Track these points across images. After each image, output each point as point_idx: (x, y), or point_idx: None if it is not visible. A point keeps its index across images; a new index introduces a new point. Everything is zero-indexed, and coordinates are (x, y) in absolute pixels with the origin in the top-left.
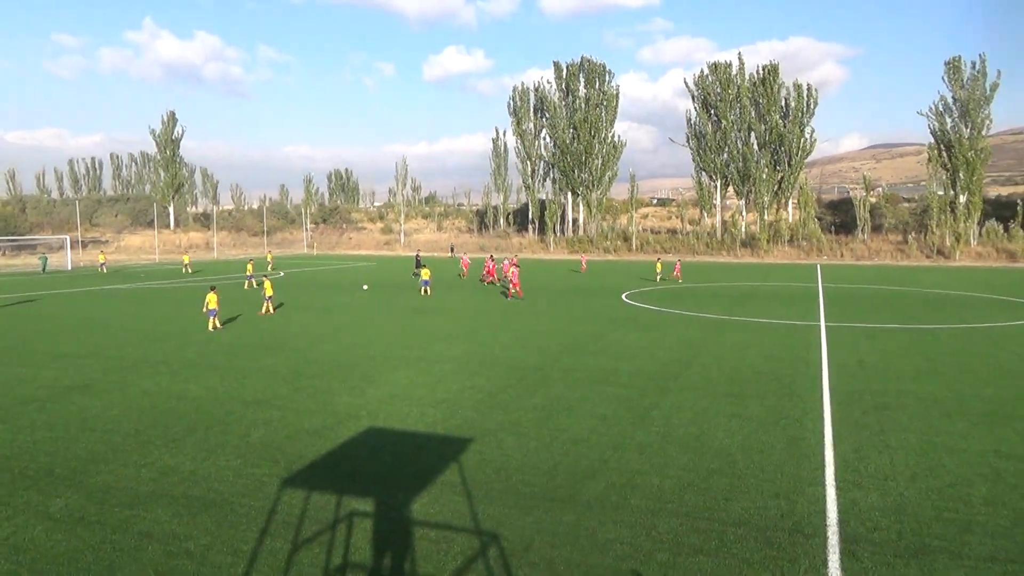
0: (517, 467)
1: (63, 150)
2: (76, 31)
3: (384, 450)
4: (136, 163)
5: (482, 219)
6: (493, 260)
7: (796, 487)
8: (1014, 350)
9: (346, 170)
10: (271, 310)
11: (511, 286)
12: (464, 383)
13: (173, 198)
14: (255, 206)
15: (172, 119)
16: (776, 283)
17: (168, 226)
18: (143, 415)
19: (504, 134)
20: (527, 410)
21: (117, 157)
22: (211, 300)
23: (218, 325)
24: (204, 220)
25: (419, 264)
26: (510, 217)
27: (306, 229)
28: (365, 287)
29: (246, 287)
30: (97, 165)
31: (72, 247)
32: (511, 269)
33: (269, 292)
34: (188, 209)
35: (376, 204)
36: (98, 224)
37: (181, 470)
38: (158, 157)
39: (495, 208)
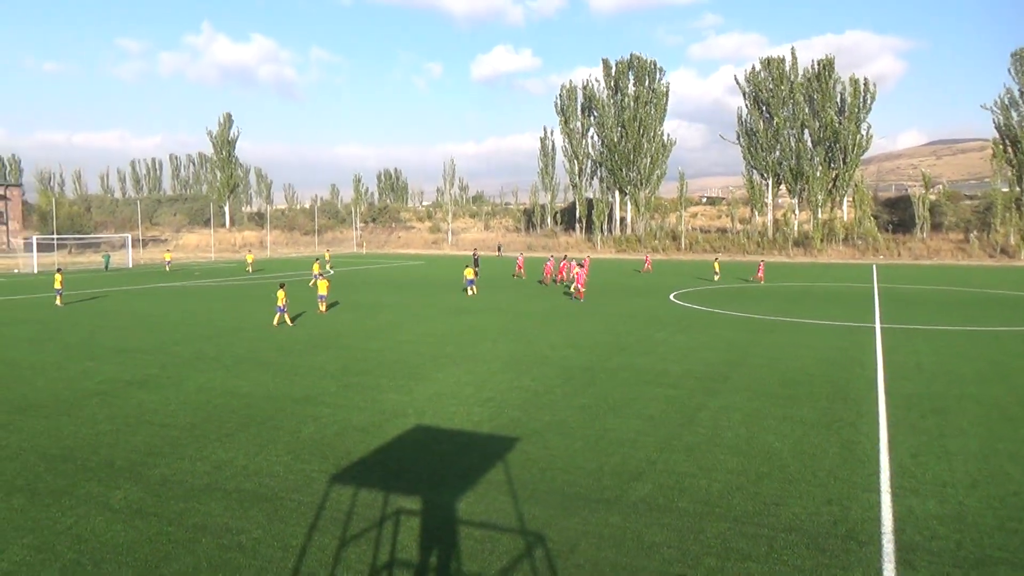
0: (563, 467)
1: (126, 151)
2: (138, 35)
3: (430, 448)
4: (194, 164)
5: (529, 218)
6: (553, 259)
7: (850, 493)
8: None
9: (395, 169)
10: (323, 309)
11: (577, 285)
12: (511, 382)
13: (229, 197)
14: (307, 205)
15: (228, 120)
16: (830, 283)
17: (224, 225)
18: (198, 410)
19: (552, 133)
20: (573, 410)
21: (176, 158)
22: (280, 297)
23: (287, 321)
24: (258, 219)
25: (476, 263)
26: (557, 216)
27: (356, 228)
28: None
29: (311, 285)
30: (157, 166)
31: (133, 245)
32: (576, 270)
33: (323, 291)
34: (243, 208)
35: (424, 203)
36: (158, 223)
37: (234, 464)
38: (214, 158)
39: (542, 207)
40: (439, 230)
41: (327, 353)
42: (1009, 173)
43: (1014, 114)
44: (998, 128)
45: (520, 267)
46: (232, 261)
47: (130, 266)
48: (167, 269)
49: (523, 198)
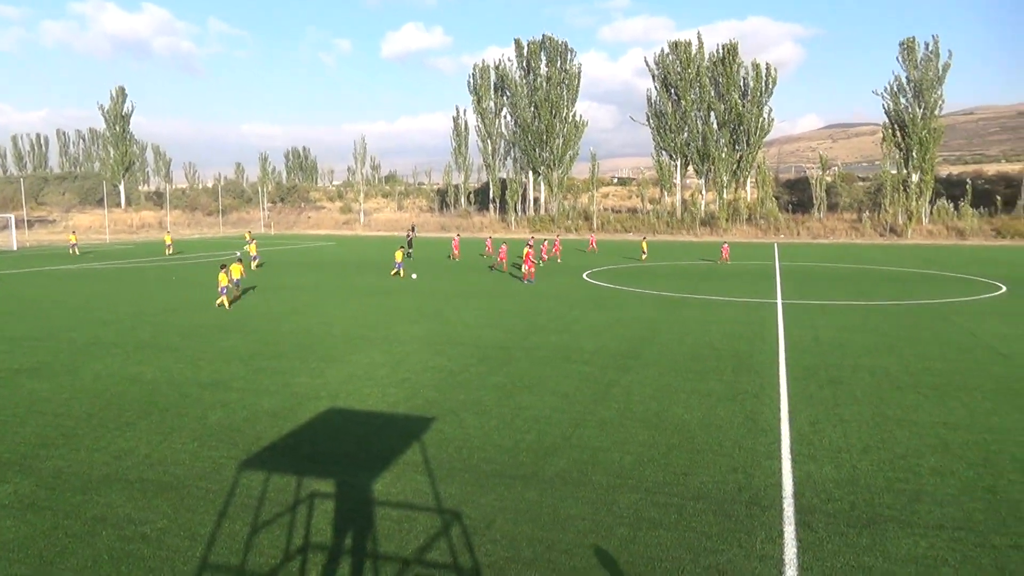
0: (479, 445)
1: (7, 126)
2: (16, 1)
3: (345, 430)
4: (84, 140)
5: (443, 198)
6: (531, 246)
7: (753, 460)
8: (963, 325)
9: (304, 148)
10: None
11: (525, 266)
12: (426, 362)
13: (124, 176)
14: (210, 185)
15: (121, 94)
16: (734, 261)
17: (119, 205)
18: (95, 398)
19: (464, 112)
20: (489, 389)
21: (64, 134)
22: (223, 278)
23: (226, 304)
24: (157, 199)
25: (411, 243)
26: (471, 196)
27: (263, 208)
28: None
29: (253, 267)
30: (43, 142)
31: (17, 227)
32: (526, 250)
33: (237, 274)
34: (140, 187)
35: (335, 183)
36: (44, 203)
37: (136, 454)
38: (107, 134)
39: (456, 187)
40: (351, 210)
41: (235, 337)
42: (897, 156)
43: (902, 100)
44: (887, 113)
45: (456, 249)
46: (129, 243)
47: (15, 248)
48: (75, 252)
49: (436, 178)
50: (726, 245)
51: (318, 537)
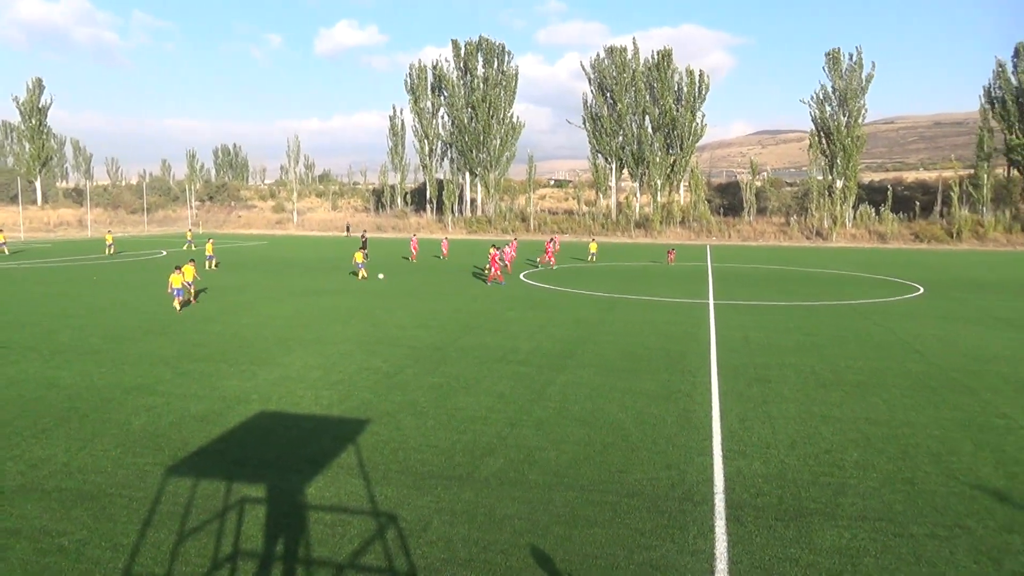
0: (415, 447)
1: None
2: None
3: (276, 434)
4: None
5: (379, 198)
6: (497, 248)
7: (686, 458)
8: (884, 324)
9: (234, 145)
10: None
11: (493, 270)
12: (361, 364)
13: (40, 171)
14: (133, 181)
15: (38, 86)
16: (658, 263)
17: (35, 202)
18: (8, 405)
19: (401, 112)
20: (425, 390)
21: None
22: (175, 280)
23: (176, 306)
24: (76, 196)
25: (365, 245)
26: (408, 196)
27: (190, 207)
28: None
29: (209, 268)
30: None
31: None
32: (506, 252)
33: (190, 276)
34: (58, 184)
35: (267, 181)
36: None
37: (53, 462)
38: (22, 127)
39: (392, 187)
40: (283, 209)
41: (161, 339)
42: (823, 162)
43: (827, 108)
44: (814, 121)
45: (415, 249)
46: (46, 241)
47: None
48: (4, 251)
49: (372, 178)
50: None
51: (248, 544)
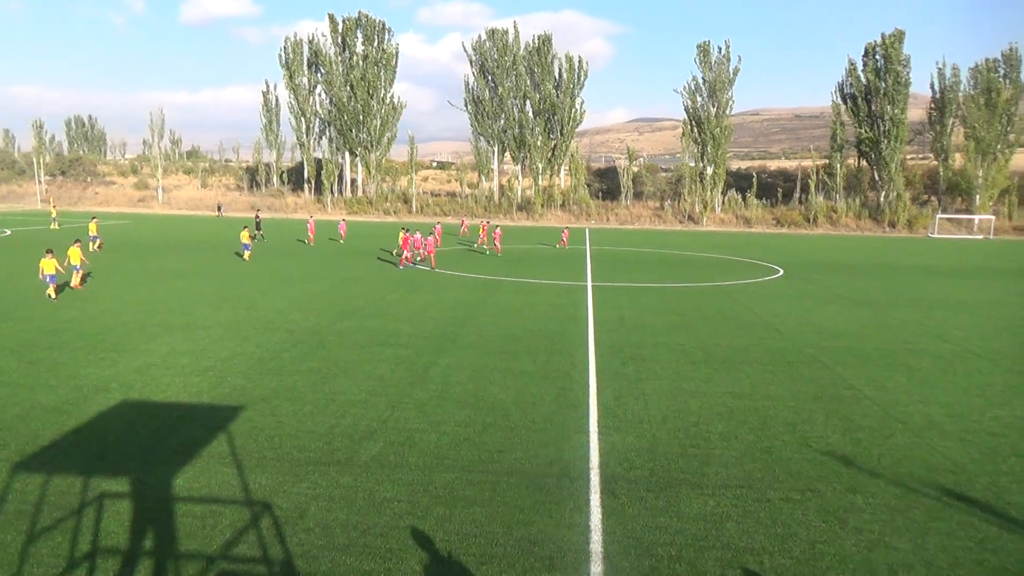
0: (291, 433)
1: None
2: None
3: (140, 424)
4: None
5: (253, 176)
6: (407, 232)
7: (563, 435)
8: (748, 304)
9: (89, 117)
10: (77, 283)
11: (425, 252)
12: (233, 349)
13: None
14: None
15: None
16: (548, 245)
17: None
18: None
19: (275, 88)
20: (302, 374)
21: None
22: (46, 265)
23: (52, 294)
24: None
25: (259, 226)
26: (284, 175)
27: (39, 181)
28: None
29: (92, 249)
30: None
31: None
32: (416, 236)
33: (76, 260)
34: None
35: (128, 156)
36: None
37: None
38: None
39: (267, 166)
40: (147, 187)
41: (4, 325)
42: (695, 150)
43: (699, 99)
44: (686, 110)
45: (311, 232)
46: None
47: None
48: None
49: (245, 155)
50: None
51: (108, 541)
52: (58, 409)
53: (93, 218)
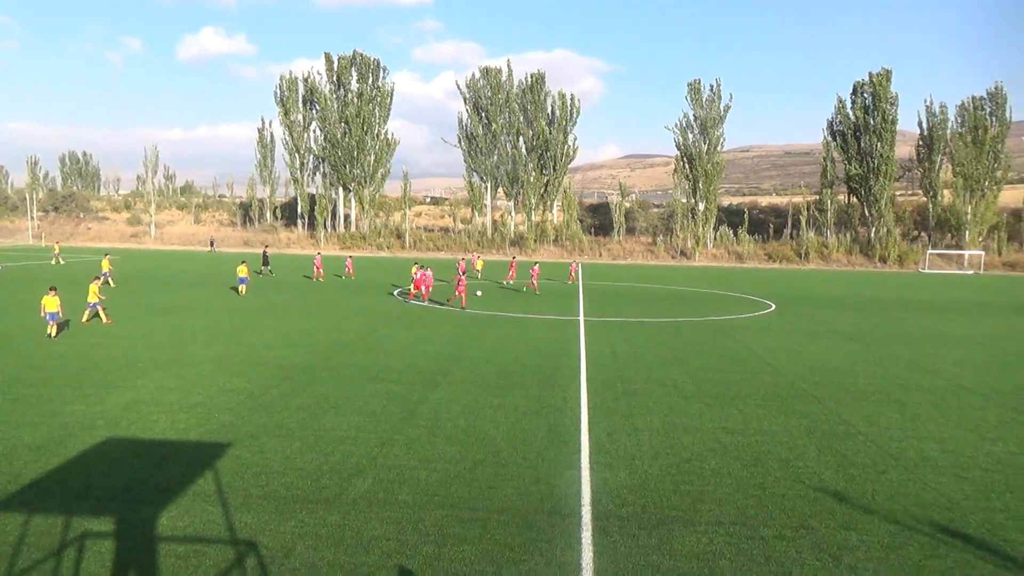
0: (279, 470)
1: None
2: None
3: (125, 462)
4: None
5: (246, 212)
6: (421, 267)
7: (555, 471)
8: (740, 339)
9: (84, 153)
10: (106, 319)
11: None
12: (222, 385)
13: None
14: None
15: None
16: (541, 280)
17: None
18: None
19: (270, 124)
20: (292, 410)
21: None
22: (49, 303)
23: (52, 333)
24: None
25: (267, 261)
26: (277, 211)
27: (31, 217)
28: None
29: (110, 285)
30: None
31: None
32: (422, 273)
33: (93, 298)
34: None
35: (122, 192)
36: None
37: None
38: None
39: (261, 201)
40: (140, 222)
41: None
42: (687, 186)
43: (690, 135)
44: (678, 147)
45: (319, 267)
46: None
47: None
48: None
49: (240, 191)
50: (574, 264)
51: None
52: (41, 447)
53: (106, 255)
